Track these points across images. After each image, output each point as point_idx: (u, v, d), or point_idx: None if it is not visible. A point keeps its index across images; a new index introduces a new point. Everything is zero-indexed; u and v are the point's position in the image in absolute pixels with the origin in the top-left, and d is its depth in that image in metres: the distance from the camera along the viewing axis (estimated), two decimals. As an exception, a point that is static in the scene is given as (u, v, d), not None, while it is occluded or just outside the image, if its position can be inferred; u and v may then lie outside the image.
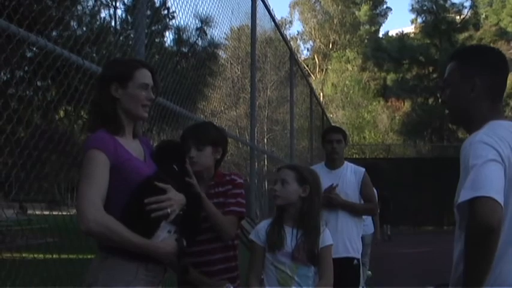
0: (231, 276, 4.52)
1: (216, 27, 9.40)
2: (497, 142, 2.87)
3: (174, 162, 3.73)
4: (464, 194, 2.74)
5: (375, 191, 7.58)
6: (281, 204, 4.53)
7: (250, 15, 9.30)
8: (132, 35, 10.68)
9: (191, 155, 4.31)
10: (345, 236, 6.87)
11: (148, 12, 11.13)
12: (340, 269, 6.61)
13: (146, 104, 3.60)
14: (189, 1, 7.19)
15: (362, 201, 7.25)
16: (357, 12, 65.93)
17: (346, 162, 7.27)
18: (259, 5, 9.90)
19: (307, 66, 62.98)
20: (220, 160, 4.58)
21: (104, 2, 11.04)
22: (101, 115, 3.52)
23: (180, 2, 7.12)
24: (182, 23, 11.10)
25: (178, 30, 10.76)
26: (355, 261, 6.97)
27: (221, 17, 8.68)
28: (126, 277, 3.31)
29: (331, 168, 7.18)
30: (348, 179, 7.06)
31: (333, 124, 26.62)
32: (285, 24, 67.18)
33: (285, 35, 14.53)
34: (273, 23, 11.47)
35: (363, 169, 7.31)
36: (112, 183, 3.31)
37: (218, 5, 8.24)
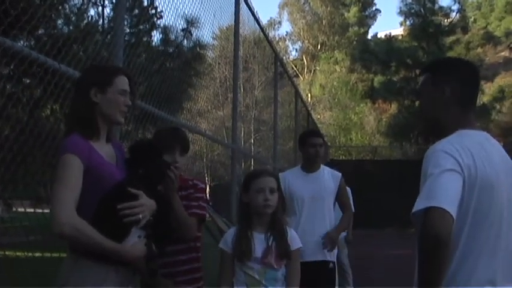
0: (194, 277, 4.63)
1: (202, 28, 9.44)
2: (459, 151, 2.92)
3: (150, 164, 3.74)
4: (418, 204, 2.81)
5: (349, 190, 7.67)
6: (268, 213, 4.54)
7: (232, 17, 9.35)
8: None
9: (177, 160, 4.38)
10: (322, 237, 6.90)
11: (136, 11, 11.17)
12: (316, 272, 6.71)
13: (123, 110, 3.65)
14: (176, 1, 7.22)
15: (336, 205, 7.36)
16: (346, 14, 66.03)
17: (321, 165, 7.29)
18: (245, 7, 9.96)
19: (296, 66, 63.08)
20: None
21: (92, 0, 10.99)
22: (77, 119, 3.56)
23: (167, 2, 7.17)
24: (169, 22, 11.09)
25: (165, 30, 10.76)
26: (331, 265, 7.00)
27: (206, 17, 8.72)
28: (97, 278, 3.35)
29: (308, 171, 7.17)
30: (327, 184, 7.09)
31: (319, 125, 26.65)
32: (274, 25, 67.36)
33: (270, 37, 14.55)
34: (257, 25, 11.51)
35: (340, 174, 7.33)
36: (84, 186, 3.35)
37: (203, 5, 8.27)
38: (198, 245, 4.72)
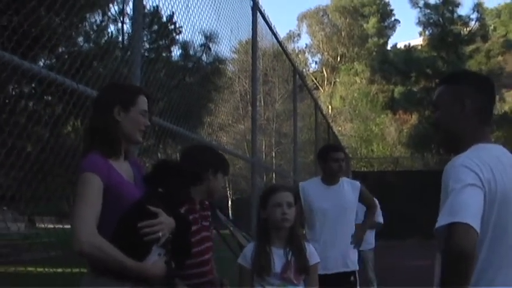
0: (201, 281, 4.54)
1: (221, 42, 9.48)
2: (479, 166, 2.91)
3: (170, 182, 3.73)
4: (441, 219, 2.80)
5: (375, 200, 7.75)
6: (287, 227, 4.56)
7: (249, 30, 9.38)
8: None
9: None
10: (343, 250, 6.94)
11: (156, 27, 11.24)
12: (337, 284, 6.73)
13: (143, 129, 3.67)
14: (194, 17, 7.27)
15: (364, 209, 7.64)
16: (365, 25, 65.90)
17: (340, 177, 7.28)
18: (262, 21, 10.01)
19: (316, 79, 63.05)
20: None
21: (112, 17, 11.08)
22: (98, 137, 3.56)
23: (186, 17, 7.22)
24: (188, 37, 11.15)
25: (184, 45, 10.81)
26: (352, 278, 7.02)
27: (224, 31, 8.77)
28: None
29: (328, 184, 7.17)
30: (348, 196, 7.12)
31: (340, 137, 26.58)
32: (293, 38, 67.39)
33: (289, 50, 14.61)
34: (275, 39, 11.55)
35: (358, 183, 7.41)
36: (104, 205, 3.35)
37: (221, 20, 8.32)
38: (208, 245, 4.66)
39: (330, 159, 7.13)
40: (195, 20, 7.35)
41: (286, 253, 4.49)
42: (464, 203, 2.79)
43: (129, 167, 3.71)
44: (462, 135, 3.20)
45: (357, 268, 7.16)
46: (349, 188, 7.18)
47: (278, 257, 4.47)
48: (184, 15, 7.17)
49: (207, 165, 4.59)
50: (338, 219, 6.97)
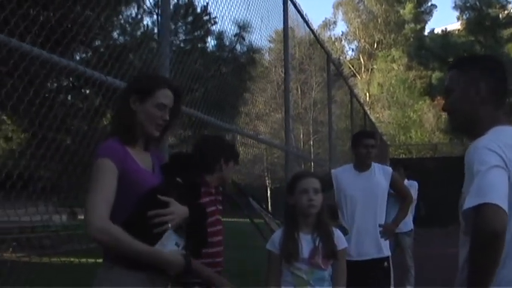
0: (215, 260, 4.74)
1: (255, 32, 9.50)
2: (501, 148, 2.91)
3: (189, 173, 3.76)
4: (469, 201, 2.79)
5: (415, 183, 7.68)
6: (313, 213, 4.61)
7: (282, 20, 9.38)
8: (175, 42, 10.82)
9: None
10: (376, 236, 6.96)
11: (190, 19, 11.28)
12: (371, 270, 6.77)
13: (159, 123, 3.66)
14: (229, 6, 7.31)
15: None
16: (401, 11, 65.30)
17: (372, 163, 7.28)
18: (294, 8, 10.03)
19: (353, 66, 62.75)
20: None
21: (147, 9, 11.15)
22: (118, 124, 3.63)
23: (220, 8, 7.26)
24: (222, 28, 11.19)
25: (219, 35, 10.84)
26: (385, 264, 7.02)
27: (256, 21, 8.79)
28: (131, 287, 3.36)
29: (360, 170, 7.20)
30: (379, 181, 7.13)
31: (377, 124, 26.47)
32: (329, 25, 67.12)
33: (325, 38, 14.59)
34: (307, 27, 11.55)
35: (390, 169, 7.49)
36: (118, 190, 3.38)
37: (251, 10, 8.34)
38: (219, 228, 4.81)
39: (359, 145, 7.17)
40: (225, 11, 7.38)
41: (314, 239, 4.55)
42: (492, 184, 2.79)
43: (149, 157, 3.73)
44: (479, 118, 3.21)
45: (390, 254, 7.16)
46: (380, 174, 7.19)
47: (306, 243, 4.54)
48: (217, 5, 7.22)
49: (219, 155, 4.82)
50: (370, 206, 7.01)
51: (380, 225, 6.98)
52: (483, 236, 2.70)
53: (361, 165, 7.21)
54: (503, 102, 3.29)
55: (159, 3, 9.69)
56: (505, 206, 2.72)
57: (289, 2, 9.44)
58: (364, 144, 7.12)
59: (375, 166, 7.25)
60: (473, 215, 2.76)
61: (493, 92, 3.21)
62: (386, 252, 7.05)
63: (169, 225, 3.42)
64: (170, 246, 3.41)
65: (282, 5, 9.30)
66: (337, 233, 4.72)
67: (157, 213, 3.40)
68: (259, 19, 8.75)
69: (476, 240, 2.75)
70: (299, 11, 10.33)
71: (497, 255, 2.71)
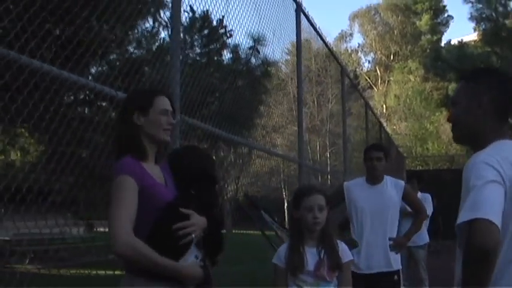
0: None
1: (269, 45, 9.56)
2: (499, 162, 2.91)
3: (202, 184, 3.84)
4: (463, 215, 2.80)
5: (428, 196, 7.65)
6: (318, 229, 4.65)
7: (295, 33, 9.44)
8: (191, 55, 10.89)
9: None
10: (386, 249, 6.94)
11: (206, 32, 11.37)
12: (380, 284, 6.79)
13: (167, 128, 3.76)
14: (242, 20, 7.39)
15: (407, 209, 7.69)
16: (417, 22, 65.19)
17: (385, 176, 7.28)
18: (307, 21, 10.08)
19: (369, 78, 62.70)
20: None
21: (163, 23, 11.22)
22: (125, 143, 3.67)
23: (235, 21, 7.35)
24: (238, 41, 11.26)
25: (235, 49, 10.91)
26: (395, 277, 6.99)
27: (269, 34, 8.87)
28: None
29: (371, 183, 7.19)
30: (390, 195, 7.11)
31: (394, 136, 26.43)
32: (345, 37, 67.12)
33: (335, 50, 14.62)
34: (321, 40, 11.60)
35: (403, 182, 7.45)
36: (139, 206, 3.44)
37: (263, 23, 8.42)
38: None
39: (367, 158, 7.23)
40: (238, 24, 7.47)
41: (319, 251, 4.58)
42: (486, 200, 2.79)
43: (160, 171, 3.80)
44: (482, 131, 3.20)
45: (400, 267, 7.14)
46: (392, 187, 7.18)
47: (311, 255, 4.57)
48: (232, 18, 7.31)
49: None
50: (381, 219, 7.00)
51: (390, 239, 6.98)
52: (474, 250, 2.71)
53: (372, 178, 7.22)
54: (506, 117, 3.27)
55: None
56: (498, 221, 2.73)
57: (302, 15, 9.50)
58: (370, 157, 7.16)
59: (387, 179, 7.25)
60: (467, 229, 2.77)
61: (497, 105, 3.20)
62: (396, 265, 7.01)
63: (193, 236, 3.49)
64: (190, 259, 3.50)
65: (294, 18, 9.37)
66: (342, 246, 4.76)
67: (183, 225, 3.47)
68: (271, 32, 8.81)
69: (468, 255, 2.76)
70: (312, 24, 10.37)
71: (489, 271, 2.71)
